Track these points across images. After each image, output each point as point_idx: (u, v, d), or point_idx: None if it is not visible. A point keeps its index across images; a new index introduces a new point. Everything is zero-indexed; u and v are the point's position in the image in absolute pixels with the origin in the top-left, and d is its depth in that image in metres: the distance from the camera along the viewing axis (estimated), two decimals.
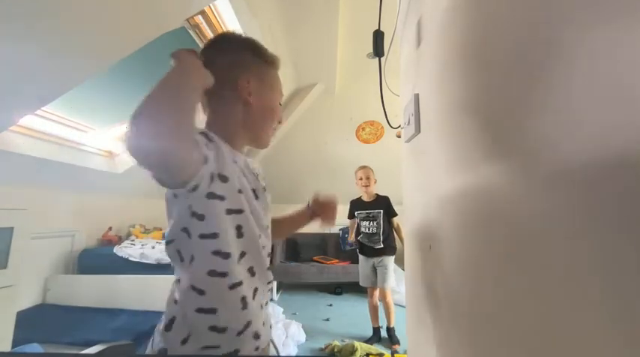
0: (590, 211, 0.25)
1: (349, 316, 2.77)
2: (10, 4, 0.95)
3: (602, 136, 0.24)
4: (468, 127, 0.50)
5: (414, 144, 0.84)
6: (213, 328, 0.56)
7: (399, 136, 1.02)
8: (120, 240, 2.38)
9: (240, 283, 0.58)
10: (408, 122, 0.84)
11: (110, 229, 2.40)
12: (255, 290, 0.62)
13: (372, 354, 2.00)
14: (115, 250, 2.03)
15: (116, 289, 1.86)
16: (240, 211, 0.60)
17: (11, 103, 1.32)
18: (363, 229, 2.38)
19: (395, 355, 2.00)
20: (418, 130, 0.77)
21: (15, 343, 1.25)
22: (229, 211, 0.58)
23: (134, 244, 2.18)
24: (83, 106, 1.87)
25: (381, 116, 1.03)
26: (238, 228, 0.59)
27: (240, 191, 0.61)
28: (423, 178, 0.76)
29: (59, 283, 1.93)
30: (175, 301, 0.57)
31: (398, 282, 3.21)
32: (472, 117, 0.49)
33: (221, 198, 0.57)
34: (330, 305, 3.04)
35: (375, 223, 2.34)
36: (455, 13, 0.56)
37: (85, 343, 1.37)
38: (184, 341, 0.55)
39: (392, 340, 2.28)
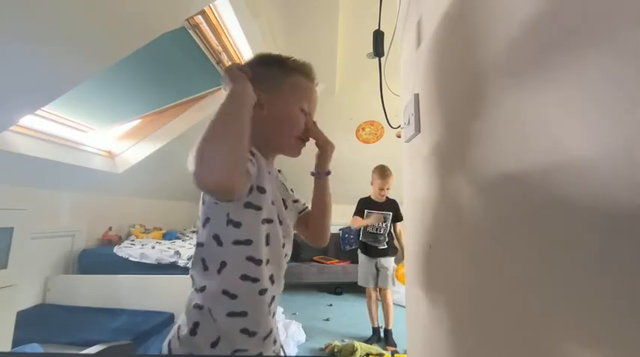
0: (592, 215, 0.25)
1: (349, 316, 2.77)
2: (11, 5, 0.95)
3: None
4: (467, 127, 0.50)
5: (414, 144, 0.84)
6: (244, 331, 0.58)
7: (399, 136, 1.02)
8: (120, 240, 2.38)
9: (266, 290, 0.61)
10: (408, 122, 0.84)
11: (110, 229, 2.40)
12: (273, 298, 0.65)
13: (372, 354, 2.00)
14: (115, 250, 2.03)
15: (116, 289, 1.86)
16: (271, 221, 0.63)
17: (11, 103, 1.31)
18: (369, 229, 2.38)
19: (395, 355, 2.00)
20: (418, 130, 0.77)
21: (15, 343, 1.24)
22: (264, 221, 0.61)
23: (134, 244, 2.18)
24: (83, 106, 1.87)
25: (381, 116, 1.03)
26: (267, 236, 0.62)
27: (273, 203, 0.64)
28: (423, 177, 0.76)
29: (59, 283, 1.93)
30: (199, 307, 0.58)
31: (398, 282, 3.22)
32: (471, 117, 0.49)
33: (258, 208, 0.60)
34: (330, 305, 3.04)
35: (384, 224, 2.37)
36: (455, 13, 0.56)
37: (85, 343, 1.37)
38: (214, 344, 0.56)
39: (388, 342, 2.28)
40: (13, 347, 1.23)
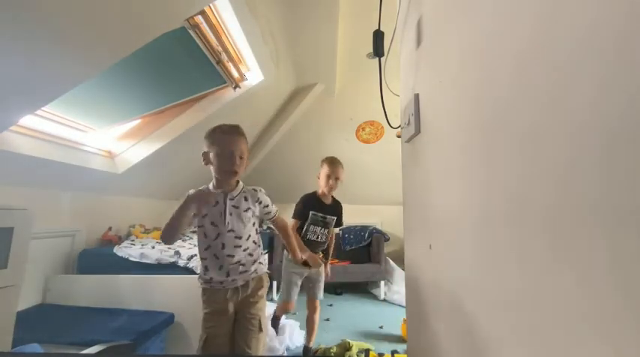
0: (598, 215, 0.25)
1: (349, 316, 2.77)
2: (10, 5, 0.95)
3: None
4: (467, 127, 0.50)
5: (414, 144, 0.84)
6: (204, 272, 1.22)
7: (399, 136, 1.02)
8: (120, 240, 2.38)
9: (205, 259, 1.20)
10: (408, 122, 0.84)
11: (110, 229, 2.40)
12: (221, 267, 1.19)
13: (371, 350, 2.01)
14: (115, 250, 2.03)
15: (116, 289, 1.86)
16: (202, 225, 1.19)
17: (11, 103, 1.32)
18: (310, 236, 1.90)
19: (395, 355, 2.00)
20: (418, 130, 0.77)
21: (15, 343, 1.24)
22: (198, 225, 1.20)
23: (134, 244, 2.18)
24: (83, 106, 1.87)
25: (381, 116, 1.03)
26: (205, 233, 1.20)
27: (203, 216, 1.19)
28: (423, 177, 0.76)
29: (59, 283, 1.92)
30: None
31: (398, 282, 3.22)
32: (471, 117, 0.49)
33: (196, 220, 1.22)
34: (331, 305, 3.04)
35: (326, 232, 1.94)
36: (455, 13, 0.56)
37: (85, 343, 1.37)
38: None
39: None
40: (13, 347, 1.23)
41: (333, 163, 1.92)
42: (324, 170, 1.92)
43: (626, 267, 0.22)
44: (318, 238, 1.91)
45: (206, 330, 1.18)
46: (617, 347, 0.23)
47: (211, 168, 1.19)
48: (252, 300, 1.24)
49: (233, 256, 1.20)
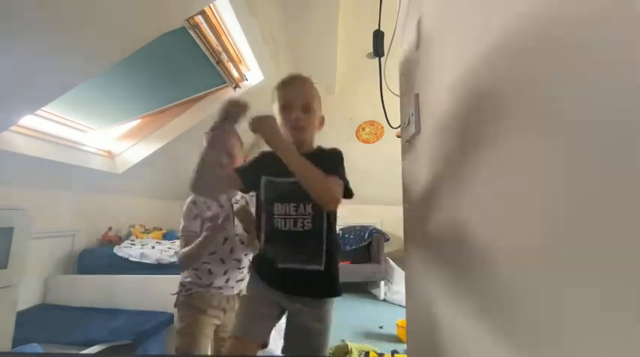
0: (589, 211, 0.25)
1: (349, 317, 2.77)
2: (10, 4, 0.95)
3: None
4: (467, 127, 0.50)
5: (414, 144, 0.84)
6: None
7: (399, 136, 1.02)
8: (120, 240, 2.37)
9: (207, 263, 1.16)
10: (408, 122, 0.84)
11: (110, 229, 2.40)
12: (225, 272, 1.17)
13: (373, 351, 2.01)
14: (115, 250, 2.03)
15: (116, 289, 1.86)
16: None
17: (11, 103, 1.32)
18: (277, 223, 0.88)
19: (395, 355, 2.00)
20: (418, 130, 0.77)
21: (15, 343, 1.25)
22: (205, 229, 1.10)
23: (134, 244, 2.18)
24: (83, 106, 1.87)
25: (381, 116, 1.03)
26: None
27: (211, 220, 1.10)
28: (423, 177, 0.76)
29: (59, 283, 1.93)
30: None
31: (398, 282, 3.22)
32: (471, 117, 0.49)
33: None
34: None
35: (305, 211, 0.87)
36: (455, 14, 0.56)
37: (85, 343, 1.37)
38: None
39: None
40: (13, 347, 1.23)
41: (284, 84, 0.96)
42: (275, 105, 0.96)
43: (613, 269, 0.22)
44: (290, 225, 0.88)
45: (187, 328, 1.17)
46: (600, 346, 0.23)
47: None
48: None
49: (240, 261, 1.18)
